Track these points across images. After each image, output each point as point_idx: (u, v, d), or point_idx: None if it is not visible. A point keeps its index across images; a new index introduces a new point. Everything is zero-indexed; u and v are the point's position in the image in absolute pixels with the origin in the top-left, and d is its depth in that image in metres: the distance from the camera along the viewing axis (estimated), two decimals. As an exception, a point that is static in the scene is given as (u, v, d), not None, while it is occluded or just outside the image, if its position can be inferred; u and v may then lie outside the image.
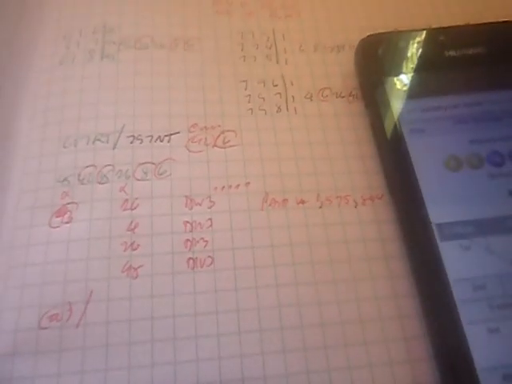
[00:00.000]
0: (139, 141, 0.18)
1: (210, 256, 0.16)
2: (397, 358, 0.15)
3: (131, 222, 0.16)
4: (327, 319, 0.16)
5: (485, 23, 0.20)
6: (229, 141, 0.18)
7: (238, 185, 0.17)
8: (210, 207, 0.17)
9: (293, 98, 0.20)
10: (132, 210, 0.17)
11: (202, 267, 0.16)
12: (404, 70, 0.19)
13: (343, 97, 0.20)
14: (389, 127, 0.18)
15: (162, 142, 0.18)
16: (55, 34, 0.20)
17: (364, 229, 0.17)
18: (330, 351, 0.15)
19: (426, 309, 0.15)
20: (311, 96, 0.20)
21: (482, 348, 0.14)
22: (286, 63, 0.21)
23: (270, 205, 0.17)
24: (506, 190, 0.17)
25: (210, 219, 0.17)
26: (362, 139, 0.19)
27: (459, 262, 0.15)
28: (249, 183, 0.18)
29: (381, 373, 0.15)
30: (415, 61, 0.19)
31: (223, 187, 0.17)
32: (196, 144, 0.18)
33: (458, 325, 0.14)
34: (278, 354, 0.15)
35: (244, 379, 0.15)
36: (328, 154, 0.19)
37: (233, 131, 0.19)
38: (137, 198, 0.17)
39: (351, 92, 0.20)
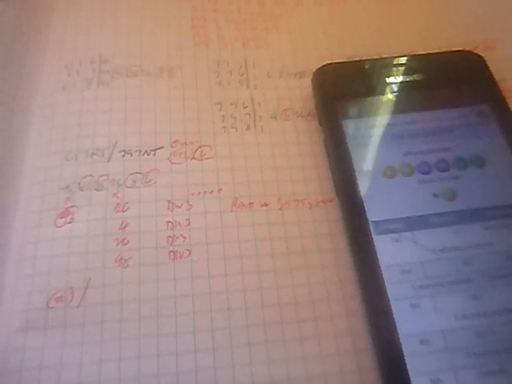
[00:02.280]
0: (129, 154, 0.21)
1: (187, 249, 0.20)
2: (340, 330, 0.19)
3: (122, 222, 0.20)
4: (283, 299, 0.19)
5: (421, 54, 0.24)
6: (205, 154, 0.22)
7: (212, 191, 0.21)
8: (188, 209, 0.20)
9: (260, 117, 0.23)
10: (123, 212, 0.20)
11: (181, 258, 0.19)
12: (352, 93, 0.22)
13: (303, 116, 0.24)
14: (337, 142, 0.21)
15: (148, 155, 0.22)
16: (58, 63, 0.24)
17: (317, 226, 0.21)
18: (284, 325, 0.19)
19: (363, 289, 0.19)
20: (276, 116, 0.23)
21: (405, 319, 0.18)
22: (255, 88, 0.24)
23: (238, 207, 0.21)
24: (431, 193, 0.20)
25: (188, 219, 0.20)
26: (317, 152, 0.22)
27: (390, 252, 0.19)
28: (221, 189, 0.21)
29: (326, 343, 0.18)
30: (361, 86, 0.23)
31: (199, 193, 0.21)
32: (177, 157, 0.22)
33: (387, 301, 0.18)
34: (243, 329, 0.19)
35: (214, 349, 0.18)
36: (288, 164, 0.22)
37: (208, 146, 0.22)
38: (127, 202, 0.20)
39: (309, 112, 0.24)
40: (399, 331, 0.17)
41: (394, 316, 0.18)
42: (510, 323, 0.18)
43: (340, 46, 0.25)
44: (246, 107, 0.24)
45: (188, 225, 0.20)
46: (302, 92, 0.24)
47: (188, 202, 0.21)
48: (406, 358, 0.17)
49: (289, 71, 0.25)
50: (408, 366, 0.17)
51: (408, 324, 0.18)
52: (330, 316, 0.19)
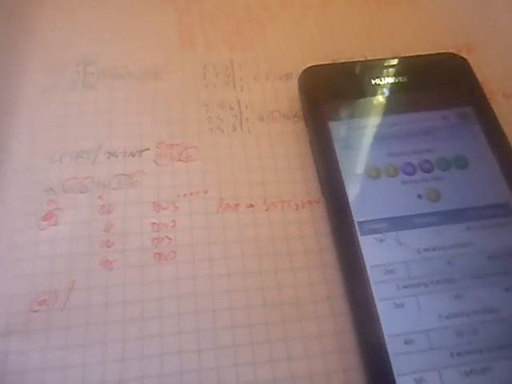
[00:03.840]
0: (114, 156, 0.21)
1: (173, 251, 0.20)
2: (326, 331, 0.19)
3: (107, 224, 0.20)
4: (269, 300, 0.19)
5: (405, 56, 0.24)
6: (191, 156, 0.22)
7: (198, 192, 0.21)
8: (173, 211, 0.20)
9: (247, 119, 0.23)
10: (108, 214, 0.20)
11: (166, 260, 0.19)
12: (337, 95, 0.23)
13: (289, 118, 0.24)
14: (323, 143, 0.21)
15: (134, 157, 0.21)
16: (43, 65, 0.24)
17: (303, 227, 0.21)
18: (270, 326, 0.19)
19: (348, 290, 0.19)
20: (262, 117, 0.24)
21: (389, 319, 0.18)
22: (242, 90, 0.24)
23: (224, 209, 0.21)
24: (416, 194, 0.20)
25: (174, 221, 0.20)
26: (303, 153, 0.22)
27: (375, 252, 0.19)
28: (207, 191, 0.21)
29: (311, 344, 0.18)
30: (346, 88, 0.23)
31: (185, 194, 0.21)
32: (163, 159, 0.22)
33: (371, 301, 0.18)
34: (228, 330, 0.19)
35: (199, 350, 0.18)
36: (274, 165, 0.22)
37: (195, 147, 0.22)
38: (112, 204, 0.20)
39: (296, 113, 0.24)
40: (384, 331, 0.17)
41: (379, 316, 0.18)
42: (492, 322, 0.18)
43: (326, 49, 0.26)
44: (233, 109, 0.24)
45: (173, 226, 0.20)
46: (288, 94, 0.24)
47: (174, 203, 0.21)
48: (390, 358, 0.17)
49: (275, 73, 0.25)
50: (392, 366, 0.17)
51: (392, 324, 0.18)
52: (315, 317, 0.19)
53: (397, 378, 0.17)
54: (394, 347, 0.17)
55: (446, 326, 0.18)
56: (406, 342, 0.17)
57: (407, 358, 0.17)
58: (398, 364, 0.17)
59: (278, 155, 0.23)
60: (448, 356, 0.17)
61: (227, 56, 0.25)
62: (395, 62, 0.24)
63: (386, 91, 0.23)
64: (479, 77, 0.24)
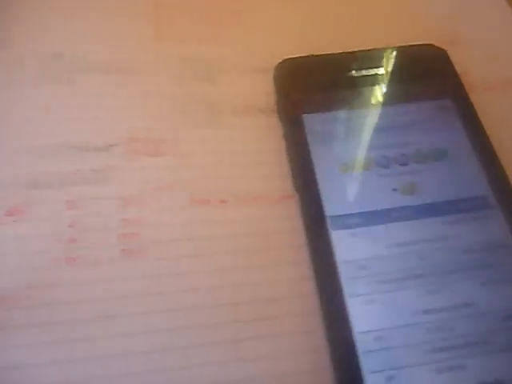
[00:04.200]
0: (83, 151, 0.21)
1: (140, 247, 0.19)
2: (296, 329, 0.18)
3: (73, 220, 0.19)
4: (239, 297, 0.18)
5: (383, 48, 0.23)
6: (162, 150, 0.21)
7: (167, 187, 0.20)
8: (142, 207, 0.20)
9: (221, 113, 0.23)
10: (74, 209, 0.20)
11: (133, 257, 0.19)
12: (313, 88, 0.22)
13: (265, 112, 0.23)
14: (296, 137, 0.21)
15: (103, 152, 0.21)
16: (14, 59, 0.23)
17: (276, 223, 0.20)
18: (240, 325, 0.18)
19: (319, 287, 0.18)
20: (237, 112, 0.23)
21: (360, 316, 0.17)
22: (217, 84, 0.24)
23: (194, 204, 0.20)
24: (390, 187, 0.20)
25: (142, 216, 0.20)
26: (278, 148, 0.22)
27: (347, 247, 0.18)
28: (177, 186, 0.21)
29: (281, 343, 0.18)
30: (322, 80, 0.22)
31: (154, 189, 0.20)
32: (133, 153, 0.21)
33: (342, 298, 0.17)
34: (197, 329, 0.18)
35: (167, 349, 0.18)
36: (248, 160, 0.22)
37: (166, 142, 0.22)
38: (78, 200, 0.20)
39: (272, 108, 0.23)
40: (353, 328, 0.17)
41: (349, 313, 0.17)
42: (466, 318, 0.17)
43: (303, 41, 0.25)
44: (207, 103, 0.23)
45: (141, 222, 0.20)
46: (264, 88, 0.24)
47: (142, 199, 0.20)
48: (359, 356, 0.16)
49: (252, 67, 0.24)
50: (362, 364, 0.16)
51: (363, 321, 0.17)
52: (286, 315, 0.18)
53: (367, 376, 0.16)
54: (364, 344, 0.17)
55: (419, 322, 0.17)
56: (376, 339, 0.17)
57: (378, 355, 0.17)
58: (367, 362, 0.16)
59: (252, 150, 0.22)
60: (421, 353, 0.17)
61: (203, 50, 0.25)
62: (373, 53, 0.23)
63: (363, 84, 0.22)
64: (461, 69, 0.24)
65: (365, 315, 0.17)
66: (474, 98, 0.23)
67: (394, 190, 0.20)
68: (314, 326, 0.18)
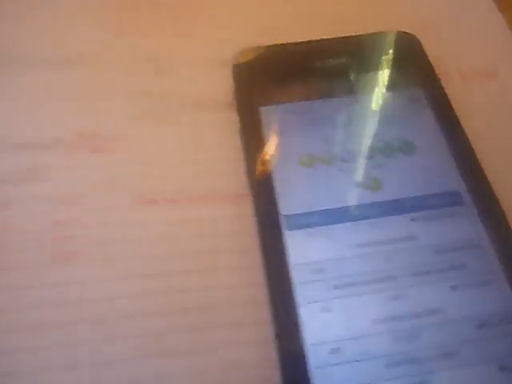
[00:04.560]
0: (23, 148, 0.19)
1: (76, 251, 0.17)
2: (246, 340, 0.16)
3: (6, 222, 0.18)
4: (184, 304, 0.16)
5: (349, 36, 0.22)
6: (108, 147, 0.20)
7: (112, 186, 0.19)
8: (82, 207, 0.18)
9: (176, 107, 0.21)
10: (9, 210, 0.18)
11: (67, 261, 0.17)
12: (272, 79, 0.21)
13: (223, 107, 0.21)
14: (252, 130, 0.19)
15: (45, 149, 0.19)
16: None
17: (229, 224, 0.18)
18: (187, 334, 0.16)
19: (270, 292, 0.16)
20: (193, 106, 0.21)
21: (314, 325, 0.15)
22: (174, 77, 0.22)
23: (141, 204, 0.18)
24: (353, 183, 0.18)
25: (81, 217, 0.18)
26: (235, 144, 0.20)
27: (302, 249, 0.17)
28: (122, 184, 0.19)
29: (228, 355, 0.16)
30: (283, 71, 0.21)
31: (98, 189, 0.19)
32: (76, 150, 0.20)
33: (293, 305, 0.15)
34: (140, 338, 0.16)
35: (106, 362, 0.16)
36: (202, 157, 0.20)
37: (115, 138, 0.20)
38: (12, 201, 0.18)
39: (231, 101, 0.22)
40: (306, 339, 0.15)
41: (302, 322, 0.15)
42: (436, 326, 0.15)
43: (265, 31, 0.23)
44: (161, 97, 0.21)
45: (79, 224, 0.18)
46: (224, 82, 0.22)
47: (82, 198, 0.18)
48: (311, 371, 0.14)
49: (211, 60, 0.23)
50: (313, 380, 0.14)
51: (317, 331, 0.15)
52: (236, 324, 0.16)
53: (319, 396, 0.14)
54: (317, 358, 0.15)
55: (381, 331, 0.15)
56: (332, 352, 0.15)
57: (332, 369, 0.15)
58: (320, 377, 0.14)
59: (207, 146, 0.20)
60: (381, 367, 0.15)
61: (161, 42, 0.23)
62: (337, 42, 0.22)
63: (326, 74, 0.21)
64: (436, 57, 0.22)
65: (320, 324, 0.15)
66: (449, 88, 0.21)
67: (358, 185, 0.18)
68: (265, 337, 0.16)
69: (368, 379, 0.14)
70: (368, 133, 0.19)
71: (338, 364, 0.15)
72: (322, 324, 0.15)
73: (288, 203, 0.18)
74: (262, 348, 0.16)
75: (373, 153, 0.19)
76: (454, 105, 0.20)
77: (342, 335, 0.15)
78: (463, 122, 0.20)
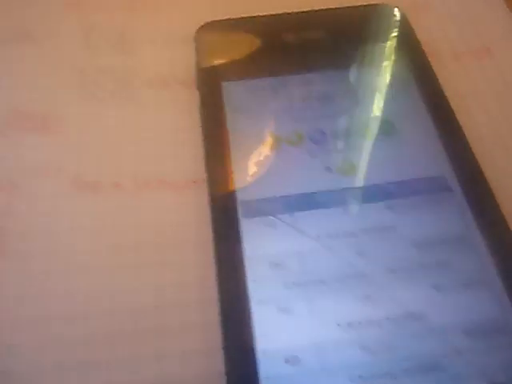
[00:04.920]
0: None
1: (4, 243, 0.15)
2: (192, 345, 0.14)
3: None
4: (129, 302, 0.14)
5: (323, 9, 0.20)
6: (50, 126, 0.17)
7: (49, 169, 0.16)
8: (11, 193, 0.16)
9: (131, 85, 0.19)
10: None
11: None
12: (236, 54, 0.18)
13: (184, 85, 0.19)
14: (212, 108, 0.17)
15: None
16: None
17: (181, 212, 0.16)
18: (125, 338, 0.14)
19: (220, 289, 0.14)
20: (151, 84, 0.19)
21: (267, 328, 0.13)
22: (132, 54, 0.20)
23: (81, 188, 0.16)
24: (323, 166, 0.16)
25: (10, 205, 0.16)
26: (196, 125, 0.18)
27: (260, 239, 0.14)
28: (62, 167, 0.16)
29: (171, 362, 0.13)
30: (248, 45, 0.18)
31: (32, 172, 0.16)
32: (12, 130, 0.17)
33: (245, 304, 0.13)
34: (75, 345, 0.14)
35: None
36: (156, 138, 0.18)
37: (57, 117, 0.18)
38: None
39: (192, 80, 0.19)
40: (257, 345, 0.12)
41: (254, 324, 0.13)
42: (415, 334, 0.13)
43: (234, 6, 0.21)
44: (116, 75, 0.19)
45: (9, 213, 0.16)
46: (187, 59, 0.20)
47: (13, 183, 0.16)
48: (261, 383, 0.12)
49: (174, 36, 0.20)
50: (263, 395, 0.12)
51: (271, 335, 0.13)
52: (181, 327, 0.14)
53: (268, 413, 0.12)
54: (269, 367, 0.12)
55: (349, 338, 0.13)
56: (287, 361, 0.12)
57: (287, 382, 0.12)
58: (272, 392, 0.12)
59: (162, 127, 0.18)
60: (346, 381, 0.12)
61: (119, 18, 0.21)
62: (310, 15, 0.19)
63: (297, 48, 0.18)
64: (427, 36, 0.20)
65: (274, 327, 0.13)
66: (442, 67, 0.19)
67: (328, 169, 0.16)
68: (213, 342, 0.14)
69: (330, 395, 0.12)
70: (342, 111, 0.17)
71: (293, 375, 0.12)
72: (277, 327, 0.13)
73: (247, 188, 0.15)
74: (209, 356, 0.13)
75: (347, 133, 0.16)
76: (445, 86, 0.18)
77: (300, 341, 0.12)
78: (455, 104, 0.18)
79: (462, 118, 0.17)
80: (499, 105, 0.19)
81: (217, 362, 0.13)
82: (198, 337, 0.14)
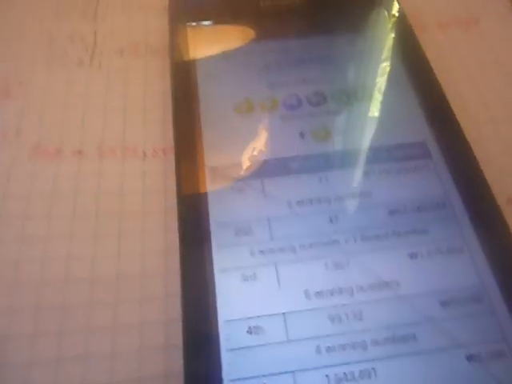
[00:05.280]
0: None
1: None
2: (153, 318, 0.13)
3: None
4: (88, 272, 0.13)
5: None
6: (9, 92, 0.17)
7: (6, 134, 0.16)
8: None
9: (101, 53, 0.18)
10: None
11: None
12: (209, 17, 0.17)
13: (157, 53, 0.18)
14: (183, 72, 0.16)
15: None
16: None
17: (148, 181, 0.15)
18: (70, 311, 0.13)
19: (181, 257, 0.13)
20: (122, 51, 0.18)
21: (229, 297, 0.12)
22: (104, 21, 0.19)
23: (38, 155, 0.15)
24: (297, 132, 0.15)
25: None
26: (166, 94, 0.17)
27: (227, 206, 0.13)
28: (19, 133, 0.16)
29: (127, 335, 0.13)
30: (221, 10, 0.18)
31: (-9, 137, 0.16)
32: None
33: (208, 272, 0.12)
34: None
35: None
36: (124, 106, 0.17)
37: (19, 82, 0.17)
38: None
39: (165, 47, 0.18)
40: (219, 314, 0.12)
41: (216, 293, 0.12)
42: (388, 303, 0.12)
43: None
44: (85, 41, 0.18)
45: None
46: (160, 28, 0.19)
47: (-31, 147, 0.15)
48: (222, 355, 0.11)
49: (147, 4, 0.20)
50: (223, 366, 0.11)
51: (234, 304, 0.12)
52: (140, 296, 0.13)
53: (228, 385, 0.11)
54: (231, 338, 0.11)
55: (316, 307, 0.12)
56: (250, 331, 0.11)
57: (250, 354, 0.11)
58: (233, 363, 0.11)
59: (132, 94, 0.17)
60: (313, 352, 0.11)
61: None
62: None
63: (272, 12, 0.17)
64: (413, 6, 0.19)
65: (238, 296, 0.12)
66: (427, 37, 0.18)
67: (302, 134, 0.15)
68: (172, 313, 0.13)
69: (294, 366, 0.11)
70: (318, 76, 0.16)
71: (257, 346, 0.11)
72: (241, 296, 0.12)
73: (216, 154, 0.14)
74: (169, 327, 0.13)
75: (322, 98, 0.15)
76: (430, 55, 0.17)
77: (265, 311, 0.12)
78: (439, 72, 0.17)
79: (447, 86, 0.17)
80: (484, 74, 0.18)
81: (177, 334, 0.12)
82: (158, 307, 0.13)
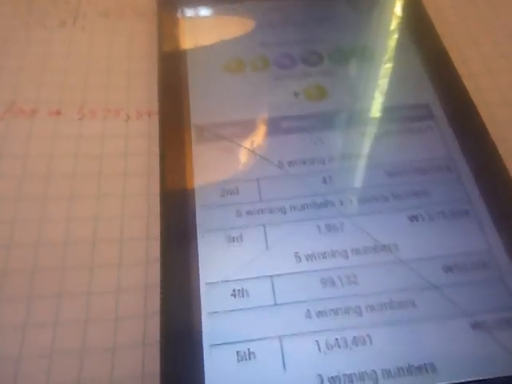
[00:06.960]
0: None
1: None
2: (133, 283, 0.12)
3: None
4: (51, 237, 0.12)
5: None
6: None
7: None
8: None
9: (85, 14, 0.17)
10: None
11: None
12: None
13: (144, 15, 0.17)
14: (171, 30, 0.15)
15: None
16: None
17: (131, 143, 0.14)
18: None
19: (162, 220, 0.12)
20: (107, 13, 0.17)
21: (213, 259, 0.11)
22: (89, -16, 0.18)
23: (13, 114, 0.14)
24: (291, 91, 0.14)
25: None
26: (152, 56, 0.16)
27: (213, 165, 0.12)
28: (-4, 91, 0.15)
29: (107, 302, 0.12)
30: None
31: (-38, 95, 0.15)
32: None
33: (190, 233, 0.11)
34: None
35: None
36: (107, 68, 0.16)
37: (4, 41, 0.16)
38: None
39: (153, 10, 0.18)
40: (201, 276, 0.11)
41: (198, 254, 0.11)
42: (386, 268, 0.11)
43: None
44: (68, 3, 0.18)
45: None
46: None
47: None
48: (203, 318, 0.10)
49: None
50: (203, 331, 0.10)
51: (218, 266, 0.11)
52: (118, 260, 0.12)
53: (207, 350, 0.10)
54: (212, 301, 0.10)
55: (307, 270, 0.11)
56: (234, 294, 0.11)
57: (233, 318, 0.10)
58: (214, 327, 0.10)
59: (116, 56, 0.16)
60: (302, 317, 0.10)
61: None
62: None
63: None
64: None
65: (222, 258, 0.11)
66: None
67: (296, 94, 0.14)
68: (153, 278, 0.12)
69: (281, 331, 0.10)
70: (313, 35, 0.15)
71: (240, 310, 0.10)
72: (225, 258, 0.11)
73: (203, 113, 0.13)
74: (149, 291, 0.12)
75: (318, 58, 0.15)
76: (434, 19, 0.16)
77: (251, 273, 0.11)
78: (443, 36, 0.16)
79: (451, 51, 0.16)
80: (489, 37, 0.17)
81: (157, 300, 0.11)
82: (138, 272, 0.12)
